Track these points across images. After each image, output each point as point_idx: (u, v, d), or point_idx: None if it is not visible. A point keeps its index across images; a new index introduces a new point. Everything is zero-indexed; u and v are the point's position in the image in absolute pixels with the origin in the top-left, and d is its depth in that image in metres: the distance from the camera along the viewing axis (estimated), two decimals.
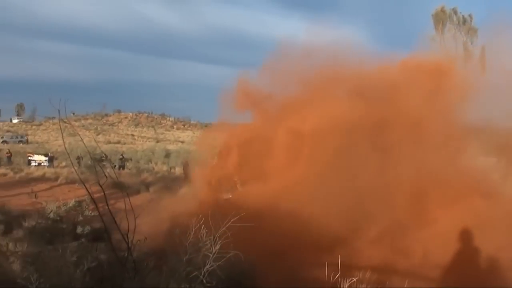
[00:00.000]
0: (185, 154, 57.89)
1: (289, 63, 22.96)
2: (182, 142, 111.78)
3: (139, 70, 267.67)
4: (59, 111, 10.44)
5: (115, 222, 10.96)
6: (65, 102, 10.67)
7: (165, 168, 56.46)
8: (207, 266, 10.81)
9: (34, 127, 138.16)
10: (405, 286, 13.65)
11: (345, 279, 12.09)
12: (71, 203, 26.37)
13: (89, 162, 42.56)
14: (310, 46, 22.80)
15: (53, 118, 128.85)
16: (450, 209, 18.19)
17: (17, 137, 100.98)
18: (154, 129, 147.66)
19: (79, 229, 21.63)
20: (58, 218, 23.13)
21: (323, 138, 19.21)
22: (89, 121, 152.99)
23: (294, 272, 15.57)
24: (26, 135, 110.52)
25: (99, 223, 14.63)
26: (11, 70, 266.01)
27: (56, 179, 43.46)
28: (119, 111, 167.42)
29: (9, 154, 59.40)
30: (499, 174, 21.89)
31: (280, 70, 23.20)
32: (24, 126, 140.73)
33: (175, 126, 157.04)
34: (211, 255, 10.92)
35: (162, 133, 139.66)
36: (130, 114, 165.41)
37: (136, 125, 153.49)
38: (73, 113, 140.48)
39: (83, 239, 19.35)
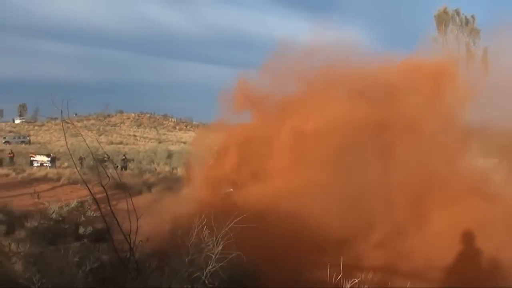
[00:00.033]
0: (188, 155, 57.93)
1: (290, 63, 22.97)
2: (184, 143, 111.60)
3: (141, 70, 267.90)
4: (61, 111, 10.45)
5: (118, 223, 10.97)
6: (68, 103, 10.69)
7: (167, 169, 56.44)
8: (209, 267, 10.80)
9: (36, 127, 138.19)
10: (407, 287, 13.65)
11: (347, 280, 12.07)
12: (73, 203, 26.43)
13: (91, 162, 42.56)
14: (311, 46, 22.83)
15: (56, 118, 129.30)
16: (450, 210, 18.20)
17: (19, 138, 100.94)
18: (156, 130, 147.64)
19: (81, 230, 21.67)
20: (60, 219, 23.18)
21: (325, 138, 19.21)
22: (91, 121, 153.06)
23: (296, 273, 15.57)
24: (29, 135, 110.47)
25: (101, 223, 14.64)
26: (14, 70, 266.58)
27: (58, 179, 43.51)
28: (121, 112, 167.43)
29: (11, 155, 59.43)
30: (500, 175, 21.88)
31: (280, 70, 23.21)
32: (26, 126, 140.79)
33: (177, 127, 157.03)
34: (213, 256, 10.91)
35: (164, 134, 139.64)
36: (132, 114, 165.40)
37: (138, 126, 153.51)
38: (76, 114, 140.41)
39: (85, 240, 19.38)
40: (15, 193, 35.98)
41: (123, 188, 11.28)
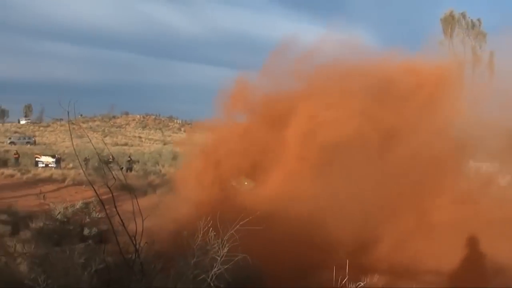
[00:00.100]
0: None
1: (290, 63, 22.98)
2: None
3: (146, 72, 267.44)
4: (68, 112, 10.43)
5: (123, 224, 10.94)
6: (74, 104, 10.68)
7: (172, 170, 56.35)
8: (215, 269, 10.77)
9: (41, 128, 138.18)
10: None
11: (352, 283, 12.05)
12: (78, 204, 26.38)
13: (96, 164, 42.56)
14: (314, 47, 22.83)
15: (61, 119, 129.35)
16: (453, 215, 18.21)
17: (24, 138, 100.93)
18: (162, 131, 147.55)
19: (86, 231, 21.65)
20: (65, 220, 23.14)
21: (332, 142, 19.20)
22: (97, 123, 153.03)
23: (302, 276, 15.55)
24: (34, 136, 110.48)
25: (106, 225, 14.62)
26: (20, 71, 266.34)
27: (63, 180, 43.54)
28: (126, 113, 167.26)
29: (16, 155, 59.45)
30: (503, 179, 21.86)
31: (280, 71, 23.21)
32: (31, 127, 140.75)
33: (182, 129, 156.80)
34: (219, 258, 10.88)
35: (170, 135, 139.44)
36: (138, 116, 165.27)
37: (144, 127, 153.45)
38: (81, 115, 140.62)
39: (90, 241, 19.36)
40: (20, 194, 36.04)
41: (129, 190, 11.20)
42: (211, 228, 11.36)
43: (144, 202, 11.68)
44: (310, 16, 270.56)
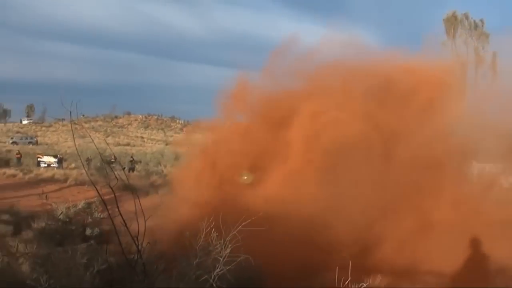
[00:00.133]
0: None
1: (291, 64, 22.97)
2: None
3: (149, 72, 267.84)
4: (70, 112, 10.43)
5: (125, 224, 10.93)
6: (76, 104, 10.67)
7: (173, 170, 56.24)
8: (217, 270, 10.77)
9: (43, 128, 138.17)
10: None
11: (355, 284, 12.04)
12: (81, 204, 26.37)
13: (98, 164, 42.54)
14: (314, 47, 22.82)
15: (63, 119, 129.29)
16: (455, 217, 18.21)
17: (26, 138, 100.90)
18: (164, 132, 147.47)
19: (88, 231, 21.64)
20: (67, 220, 23.12)
21: (334, 143, 19.19)
22: (99, 123, 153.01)
23: (304, 277, 15.54)
24: (36, 136, 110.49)
25: (108, 225, 14.61)
26: (21, 71, 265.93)
27: (65, 180, 43.58)
28: (128, 113, 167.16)
29: (18, 155, 59.53)
30: (506, 180, 21.84)
31: (281, 72, 23.20)
32: (33, 127, 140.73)
33: (184, 129, 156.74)
34: (221, 259, 10.87)
35: (172, 136, 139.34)
36: (140, 116, 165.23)
37: (146, 128, 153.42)
38: (83, 115, 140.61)
39: (92, 241, 19.34)
40: (22, 194, 36.07)
41: (131, 190, 11.19)
42: (213, 229, 11.35)
43: (146, 202, 11.65)
44: (311, 16, 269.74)
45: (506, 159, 21.03)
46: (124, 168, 47.09)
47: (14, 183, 42.14)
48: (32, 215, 24.29)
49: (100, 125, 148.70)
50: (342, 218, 17.59)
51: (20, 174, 46.40)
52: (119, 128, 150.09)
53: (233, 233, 11.15)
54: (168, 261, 12.26)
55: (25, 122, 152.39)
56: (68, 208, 24.40)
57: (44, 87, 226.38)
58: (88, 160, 49.29)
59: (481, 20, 52.49)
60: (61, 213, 23.33)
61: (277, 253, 15.21)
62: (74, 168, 52.68)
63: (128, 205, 11.21)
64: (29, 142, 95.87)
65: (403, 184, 18.81)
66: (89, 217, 24.70)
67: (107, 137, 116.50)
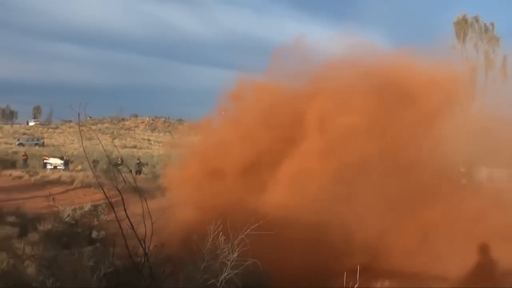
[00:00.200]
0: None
1: (296, 66, 22.90)
2: None
3: (156, 74, 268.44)
4: (79, 114, 10.39)
5: (132, 227, 10.85)
6: (85, 106, 10.62)
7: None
8: (225, 274, 10.68)
9: (50, 130, 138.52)
10: None
11: None
12: (87, 207, 26.31)
13: (105, 166, 42.52)
14: (322, 49, 22.76)
15: (70, 121, 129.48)
16: (462, 222, 18.17)
17: (33, 140, 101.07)
18: (171, 134, 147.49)
19: (94, 234, 21.57)
20: (73, 222, 23.06)
21: (345, 147, 19.11)
22: (106, 125, 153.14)
23: (313, 281, 15.47)
24: (42, 138, 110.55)
25: (114, 228, 14.53)
26: (29, 72, 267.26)
27: (72, 182, 43.47)
28: (135, 116, 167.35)
29: (25, 157, 59.58)
30: None
31: (286, 73, 23.12)
32: (40, 129, 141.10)
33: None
34: (228, 263, 10.78)
35: (179, 138, 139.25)
36: (147, 118, 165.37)
37: (153, 130, 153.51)
38: (90, 117, 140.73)
39: (98, 244, 19.28)
40: (28, 196, 35.96)
41: (139, 192, 11.10)
42: (221, 233, 11.27)
43: (153, 205, 11.55)
44: (318, 18, 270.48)
45: None
46: (131, 170, 47.10)
47: (20, 185, 42.10)
48: (38, 217, 24.22)
49: (107, 127, 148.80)
50: (352, 224, 17.53)
51: (26, 176, 46.32)
52: (126, 130, 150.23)
53: (241, 236, 11.07)
54: (175, 265, 12.19)
55: (31, 123, 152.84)
56: (75, 210, 24.33)
57: (51, 89, 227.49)
58: (95, 162, 49.25)
59: (492, 24, 52.13)
60: (68, 215, 23.27)
61: (285, 257, 15.14)
62: (81, 170, 52.65)
63: (134, 207, 11.14)
64: (36, 144, 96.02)
65: (413, 190, 18.75)
66: (95, 219, 24.64)
67: (113, 139, 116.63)
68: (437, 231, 18.37)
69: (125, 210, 10.80)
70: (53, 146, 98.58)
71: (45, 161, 57.27)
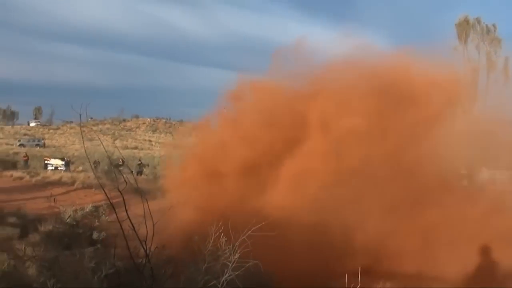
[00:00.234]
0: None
1: (297, 66, 22.88)
2: None
3: (157, 75, 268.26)
4: (80, 115, 10.36)
5: (134, 228, 10.82)
6: (86, 107, 10.59)
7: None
8: (226, 275, 10.65)
9: (51, 131, 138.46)
10: None
11: None
12: (88, 208, 26.32)
13: (106, 167, 42.49)
14: (323, 50, 22.75)
15: (71, 122, 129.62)
16: (465, 224, 18.14)
17: (34, 141, 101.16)
18: (172, 135, 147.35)
19: (95, 235, 21.58)
20: (74, 223, 23.07)
21: (348, 148, 19.11)
22: (107, 126, 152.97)
23: (315, 283, 15.45)
24: (43, 138, 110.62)
25: (116, 229, 14.51)
26: (30, 73, 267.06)
27: (73, 183, 43.42)
28: (137, 117, 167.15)
29: (26, 158, 59.63)
30: None
31: (287, 74, 23.11)
32: (41, 129, 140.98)
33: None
34: (230, 264, 10.75)
35: (179, 139, 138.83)
36: (148, 119, 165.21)
37: (154, 131, 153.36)
38: (91, 118, 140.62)
39: (99, 245, 19.28)
40: (28, 196, 35.93)
41: (140, 193, 11.07)
42: (222, 234, 11.25)
43: (153, 206, 11.53)
44: (322, 19, 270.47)
45: None
46: (132, 171, 46.99)
47: (21, 186, 42.09)
48: (39, 218, 24.22)
49: (108, 128, 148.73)
50: (353, 225, 17.53)
51: (27, 177, 46.31)
52: (127, 131, 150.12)
53: (242, 237, 11.04)
54: (176, 266, 12.17)
55: (32, 124, 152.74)
56: (76, 211, 24.35)
57: (52, 90, 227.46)
58: (96, 163, 49.22)
59: (494, 25, 52.04)
60: (69, 216, 23.28)
61: (286, 258, 15.13)
62: (82, 171, 52.64)
63: (135, 208, 11.12)
64: (37, 145, 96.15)
65: (414, 192, 18.75)
66: (96, 220, 24.66)
67: (114, 140, 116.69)
68: (439, 233, 18.35)
69: (126, 211, 10.77)
70: (54, 147, 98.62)
71: (46, 162, 57.28)
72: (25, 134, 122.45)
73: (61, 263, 11.89)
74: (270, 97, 22.83)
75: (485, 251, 17.28)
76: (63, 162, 56.58)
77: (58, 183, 44.02)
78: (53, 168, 54.86)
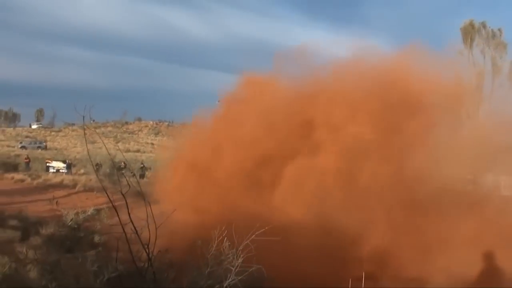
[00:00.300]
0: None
1: (298, 70, 22.87)
2: None
3: (161, 78, 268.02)
4: (83, 117, 10.28)
5: (136, 232, 10.73)
6: (90, 109, 10.53)
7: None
8: (229, 280, 10.58)
9: (53, 133, 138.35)
10: None
11: None
12: (90, 211, 26.24)
13: (108, 170, 42.41)
14: (328, 55, 22.72)
15: (73, 124, 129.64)
16: (470, 230, 18.12)
17: (35, 143, 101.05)
18: (174, 138, 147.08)
19: (97, 238, 21.51)
20: (76, 226, 22.99)
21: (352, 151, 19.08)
22: (109, 128, 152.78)
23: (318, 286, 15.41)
24: (45, 141, 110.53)
25: (118, 232, 14.42)
26: (32, 75, 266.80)
27: (74, 186, 43.34)
28: (139, 119, 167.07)
29: (27, 160, 59.51)
30: None
31: (288, 77, 23.08)
32: (43, 132, 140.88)
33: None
34: (233, 269, 10.67)
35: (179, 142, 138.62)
36: (151, 122, 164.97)
37: (156, 134, 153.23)
38: (93, 120, 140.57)
39: (100, 248, 19.21)
40: (30, 199, 35.87)
41: (143, 197, 10.99)
42: (225, 238, 11.17)
43: (155, 210, 11.43)
44: (326, 23, 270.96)
45: None
46: (134, 174, 46.89)
47: (22, 188, 41.97)
48: (40, 220, 24.15)
49: (110, 131, 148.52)
50: (357, 231, 17.51)
51: (29, 179, 46.22)
52: (129, 134, 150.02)
53: (246, 242, 10.96)
54: (179, 270, 12.09)
55: (34, 126, 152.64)
56: (77, 214, 24.26)
57: (54, 92, 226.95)
58: (98, 166, 49.13)
59: (499, 29, 51.85)
60: (71, 219, 23.19)
61: (290, 262, 15.09)
62: (83, 174, 52.51)
63: (137, 211, 11.03)
64: (38, 147, 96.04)
65: (419, 198, 18.73)
66: (98, 223, 24.59)
67: (117, 143, 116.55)
68: (443, 238, 18.33)
69: (129, 214, 10.68)
70: (56, 149, 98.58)
71: (47, 164, 57.13)
72: (26, 136, 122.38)
73: (63, 266, 11.83)
74: (271, 98, 22.81)
75: (489, 256, 17.29)
76: (65, 165, 56.40)
77: (60, 185, 43.94)
78: (55, 170, 54.69)
